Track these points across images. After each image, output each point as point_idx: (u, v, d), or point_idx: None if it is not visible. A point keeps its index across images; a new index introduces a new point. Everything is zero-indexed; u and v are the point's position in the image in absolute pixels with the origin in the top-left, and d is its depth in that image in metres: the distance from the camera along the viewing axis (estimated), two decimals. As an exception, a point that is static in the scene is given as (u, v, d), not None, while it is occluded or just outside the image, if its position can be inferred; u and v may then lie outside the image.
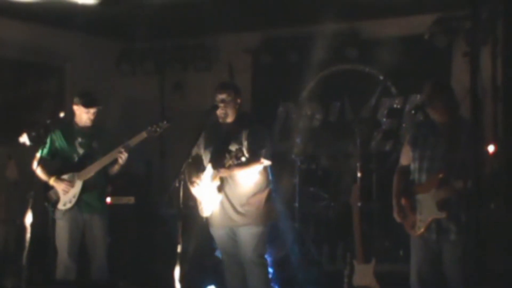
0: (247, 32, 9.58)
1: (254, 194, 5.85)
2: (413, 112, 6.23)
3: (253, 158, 5.71)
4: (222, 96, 5.85)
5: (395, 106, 8.94)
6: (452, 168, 5.16)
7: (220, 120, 5.91)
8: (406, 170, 5.57)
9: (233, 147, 5.67)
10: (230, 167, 5.62)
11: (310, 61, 8.93)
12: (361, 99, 9.13)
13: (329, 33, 8.54)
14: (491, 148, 5.86)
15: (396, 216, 5.52)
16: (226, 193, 5.83)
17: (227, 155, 5.60)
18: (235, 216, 5.83)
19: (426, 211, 5.30)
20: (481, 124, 3.44)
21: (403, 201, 5.47)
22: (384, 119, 8.97)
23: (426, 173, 5.33)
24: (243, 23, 9.05)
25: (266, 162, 5.84)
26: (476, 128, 3.52)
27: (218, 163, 5.73)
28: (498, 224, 5.81)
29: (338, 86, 9.29)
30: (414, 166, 5.45)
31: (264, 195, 5.92)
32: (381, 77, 8.96)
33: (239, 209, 5.82)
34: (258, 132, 5.90)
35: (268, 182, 6.00)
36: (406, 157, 5.60)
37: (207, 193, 5.85)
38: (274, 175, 6.26)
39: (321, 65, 9.10)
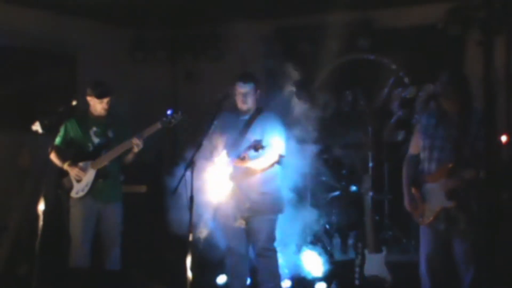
0: (259, 21, 9.53)
1: (267, 182, 5.85)
2: (425, 100, 6.19)
3: (271, 151, 5.69)
4: (243, 89, 5.85)
5: (407, 96, 8.89)
6: (462, 158, 5.15)
7: (240, 109, 5.90)
8: (414, 160, 5.56)
9: (251, 138, 5.66)
10: (244, 159, 5.62)
11: (322, 51, 8.89)
12: (373, 89, 9.08)
13: (342, 22, 8.51)
14: (504, 138, 5.82)
15: (407, 205, 5.52)
16: (238, 181, 5.83)
17: (245, 146, 5.60)
18: (247, 205, 5.83)
19: (435, 201, 5.29)
20: (494, 114, 3.41)
21: (413, 190, 5.46)
22: (397, 109, 8.93)
23: (436, 163, 5.32)
24: (255, 12, 9.02)
25: (282, 153, 5.84)
26: (489, 118, 3.49)
27: (233, 152, 5.73)
28: (510, 214, 5.77)
29: (350, 75, 9.25)
30: (424, 155, 5.44)
31: (276, 183, 5.92)
32: (394, 67, 8.92)
33: (252, 197, 5.82)
34: (277, 125, 5.88)
35: (279, 172, 6.00)
36: (415, 147, 5.59)
37: (219, 180, 5.85)
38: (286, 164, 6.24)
39: (333, 55, 9.07)
